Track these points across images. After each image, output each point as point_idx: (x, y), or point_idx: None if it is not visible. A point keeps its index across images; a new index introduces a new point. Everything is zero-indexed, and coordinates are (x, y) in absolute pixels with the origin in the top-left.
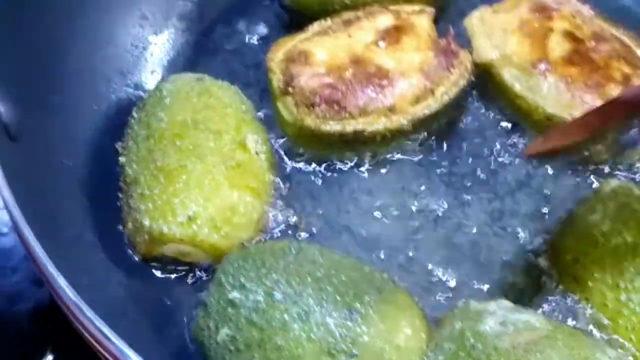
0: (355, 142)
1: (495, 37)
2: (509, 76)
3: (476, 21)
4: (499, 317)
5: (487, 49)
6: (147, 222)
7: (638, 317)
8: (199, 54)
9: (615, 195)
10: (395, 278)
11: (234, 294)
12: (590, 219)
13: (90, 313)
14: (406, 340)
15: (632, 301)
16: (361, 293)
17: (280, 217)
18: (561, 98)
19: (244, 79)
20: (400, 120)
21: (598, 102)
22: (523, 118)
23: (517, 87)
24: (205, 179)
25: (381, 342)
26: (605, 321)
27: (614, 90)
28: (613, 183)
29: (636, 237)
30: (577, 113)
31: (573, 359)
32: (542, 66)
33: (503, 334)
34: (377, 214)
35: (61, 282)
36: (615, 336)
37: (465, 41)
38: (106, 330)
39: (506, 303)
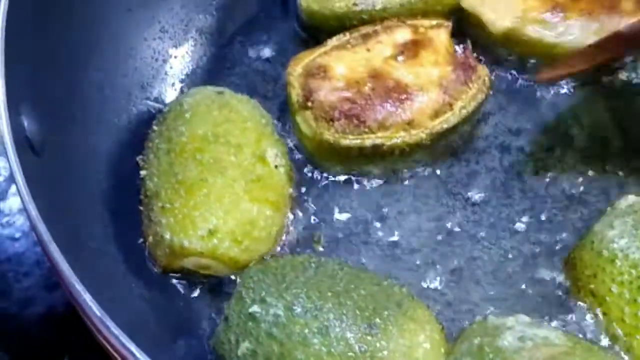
0: (374, 156)
1: (498, 4)
2: (535, 32)
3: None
4: (518, 332)
5: (499, 19)
6: (167, 236)
7: None
8: (218, 67)
9: (633, 210)
10: (415, 292)
11: (255, 308)
12: (608, 234)
13: (116, 330)
14: (425, 355)
15: None
16: (381, 307)
17: (299, 231)
18: (591, 29)
19: (263, 93)
20: (419, 135)
21: (623, 21)
22: None
23: (550, 36)
24: (226, 192)
25: (400, 357)
26: (623, 336)
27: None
28: (630, 199)
29: None
30: None
31: None
32: (559, 12)
33: (522, 350)
34: (396, 227)
35: (87, 297)
36: (632, 352)
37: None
38: (133, 347)
39: (524, 318)
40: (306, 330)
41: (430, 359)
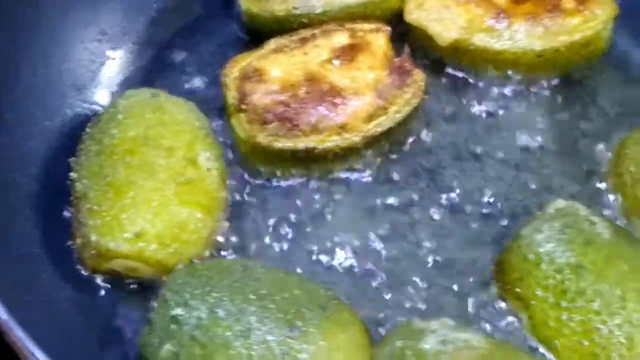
0: (308, 160)
1: (443, 16)
2: (481, 40)
3: (415, 13)
4: (440, 335)
5: (445, 32)
6: (94, 238)
7: (579, 336)
8: (157, 70)
9: (561, 215)
10: (343, 295)
11: (178, 311)
12: (536, 238)
13: (21, 333)
14: (347, 357)
15: (573, 321)
16: (303, 310)
17: (232, 234)
18: (536, 33)
19: (202, 96)
20: (352, 138)
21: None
22: (510, 68)
23: (497, 44)
24: (154, 195)
25: (322, 359)
26: (548, 340)
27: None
28: (560, 203)
29: (580, 258)
30: (562, 38)
31: None
32: (504, 18)
33: (442, 353)
34: (329, 231)
35: None
36: (556, 356)
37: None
38: (37, 352)
39: (448, 322)
40: (228, 333)
41: None
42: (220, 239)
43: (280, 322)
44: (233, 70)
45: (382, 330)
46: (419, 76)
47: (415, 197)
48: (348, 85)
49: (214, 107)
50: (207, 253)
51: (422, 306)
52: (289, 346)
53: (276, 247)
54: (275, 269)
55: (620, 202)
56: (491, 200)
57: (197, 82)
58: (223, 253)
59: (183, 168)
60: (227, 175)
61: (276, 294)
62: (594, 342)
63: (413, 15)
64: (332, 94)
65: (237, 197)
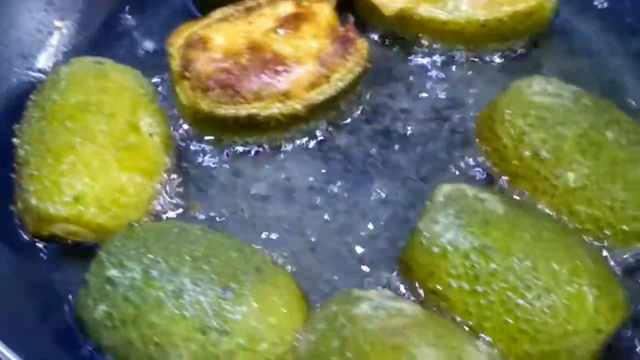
0: (251, 127)
1: None
2: (426, 10)
3: None
4: (375, 303)
5: (391, 1)
6: (34, 202)
7: (502, 316)
8: (105, 39)
9: (452, 200)
10: (282, 260)
11: (113, 272)
12: (434, 230)
13: None
14: (280, 320)
15: (493, 303)
16: (238, 273)
17: (174, 199)
18: (480, 3)
19: (150, 64)
20: (294, 106)
21: None
22: (456, 40)
23: (442, 15)
24: (94, 159)
25: (254, 321)
26: (474, 327)
27: None
28: (445, 189)
29: (483, 239)
30: (505, 8)
31: (439, 346)
32: None
33: (374, 318)
34: (272, 197)
35: None
36: (488, 336)
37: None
38: None
39: (387, 292)
40: (161, 294)
41: (285, 323)
42: (162, 203)
43: (214, 283)
44: (178, 39)
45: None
46: (362, 45)
47: (360, 164)
48: (291, 54)
49: (163, 75)
50: (148, 217)
51: (353, 281)
52: (222, 307)
53: (217, 212)
54: (213, 232)
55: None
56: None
57: (146, 52)
58: (165, 218)
59: (124, 134)
60: (171, 141)
61: (212, 256)
62: (518, 318)
63: None
64: (274, 62)
65: (182, 163)
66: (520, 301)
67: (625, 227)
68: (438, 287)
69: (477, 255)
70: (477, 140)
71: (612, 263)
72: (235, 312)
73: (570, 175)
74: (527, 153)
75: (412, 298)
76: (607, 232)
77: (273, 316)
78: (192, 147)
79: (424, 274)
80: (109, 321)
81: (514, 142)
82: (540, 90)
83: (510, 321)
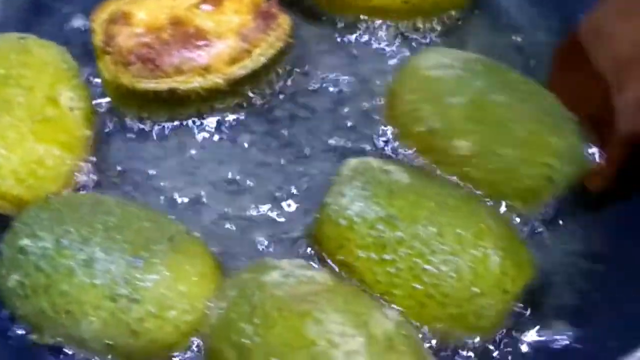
0: (172, 101)
1: None
2: None
3: None
4: (286, 271)
5: None
6: None
7: (410, 282)
8: (32, 15)
9: (358, 173)
10: (198, 231)
11: (25, 241)
12: (341, 202)
13: None
14: (191, 288)
15: (401, 270)
16: (150, 242)
17: (94, 172)
18: None
19: (77, 41)
20: (215, 80)
21: None
22: (380, 16)
23: None
24: (10, 131)
25: (164, 289)
26: (384, 295)
27: None
28: (352, 163)
29: (388, 209)
30: None
31: (346, 311)
32: None
33: (283, 285)
34: (193, 170)
35: None
36: (397, 305)
37: None
38: None
39: (300, 262)
40: (71, 262)
41: (196, 291)
42: (83, 176)
43: (125, 252)
44: (101, 15)
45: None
46: (284, 20)
47: (279, 140)
48: (213, 29)
49: (87, 52)
50: (66, 190)
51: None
52: (132, 275)
53: (135, 184)
54: (128, 203)
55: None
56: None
57: (74, 28)
58: (85, 190)
59: (42, 107)
60: (94, 116)
61: (125, 226)
62: (425, 283)
63: None
64: (196, 37)
65: (104, 137)
66: (427, 267)
67: (521, 186)
68: (348, 258)
69: (383, 224)
70: (384, 117)
71: (516, 224)
72: (146, 280)
73: (463, 144)
74: (422, 128)
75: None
76: (506, 194)
77: (184, 284)
78: (115, 122)
79: (333, 247)
80: (22, 290)
81: (408, 119)
82: (433, 64)
83: (419, 287)
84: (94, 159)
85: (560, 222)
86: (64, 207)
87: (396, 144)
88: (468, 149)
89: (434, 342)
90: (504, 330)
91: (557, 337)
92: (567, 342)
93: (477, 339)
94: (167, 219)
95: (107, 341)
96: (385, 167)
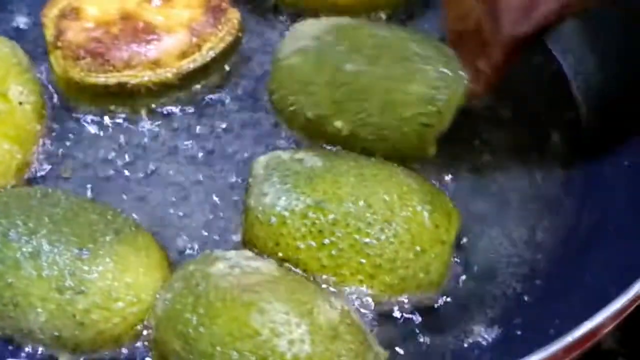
0: (122, 95)
1: None
2: None
3: None
4: (232, 262)
5: None
6: None
7: (355, 258)
8: None
9: (271, 169)
10: (146, 223)
11: None
12: (266, 202)
13: None
14: (137, 279)
15: (343, 249)
16: (97, 234)
17: (45, 166)
18: None
19: (31, 36)
20: (165, 74)
21: None
22: (331, 12)
23: None
24: None
25: (110, 280)
26: (334, 277)
27: None
28: (262, 160)
29: (313, 195)
30: None
31: (290, 301)
32: None
33: (228, 275)
34: (140, 162)
35: None
36: (349, 284)
37: None
38: None
39: (248, 253)
40: (18, 255)
41: (142, 281)
42: (33, 170)
43: (72, 244)
44: (52, 10)
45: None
46: (233, 15)
47: (227, 133)
48: (162, 23)
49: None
50: (17, 184)
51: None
52: (78, 267)
53: (85, 177)
54: (76, 196)
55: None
56: None
57: (23, 23)
58: (35, 184)
59: None
60: (45, 110)
61: (72, 218)
62: (369, 256)
63: None
64: (145, 31)
65: (55, 132)
66: (367, 239)
67: (408, 144)
68: (287, 253)
69: (313, 211)
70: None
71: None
72: (92, 272)
73: (340, 124)
74: (302, 119)
75: None
76: (404, 155)
77: (130, 276)
78: (66, 116)
79: (270, 246)
80: None
81: (289, 113)
82: (290, 51)
83: (364, 261)
84: (45, 152)
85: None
86: (12, 200)
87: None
88: (345, 127)
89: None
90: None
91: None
92: None
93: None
94: (115, 211)
95: (54, 333)
96: (296, 156)
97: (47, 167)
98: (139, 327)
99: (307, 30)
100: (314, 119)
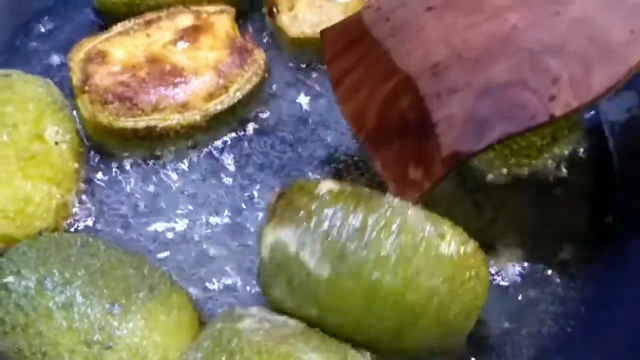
0: (151, 138)
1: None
2: None
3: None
4: (258, 317)
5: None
6: None
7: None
8: (14, 53)
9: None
10: (184, 281)
11: (9, 278)
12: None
13: None
14: (166, 338)
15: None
16: (131, 289)
17: (84, 210)
18: None
19: (59, 78)
20: (192, 116)
21: None
22: None
23: None
24: None
25: (138, 337)
26: None
27: None
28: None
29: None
30: None
31: (324, 351)
32: None
33: (259, 330)
34: (179, 210)
35: None
36: None
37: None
38: None
39: (268, 309)
40: (51, 304)
41: (171, 342)
42: (74, 212)
43: (104, 298)
44: (78, 54)
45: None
46: (259, 55)
47: (260, 173)
48: (189, 66)
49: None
50: (59, 226)
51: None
52: (108, 322)
53: (125, 225)
54: (116, 248)
55: None
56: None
57: (54, 65)
58: (76, 227)
59: (28, 143)
60: (82, 148)
61: (108, 271)
62: None
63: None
64: (172, 74)
65: (93, 176)
66: None
67: None
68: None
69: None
70: None
71: None
72: (121, 328)
73: None
74: None
75: None
76: None
77: (159, 334)
78: (100, 160)
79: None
80: (1, 327)
81: None
82: None
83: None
84: (85, 194)
85: None
86: (51, 247)
87: None
88: None
89: None
90: None
91: None
92: None
93: None
94: (152, 265)
95: None
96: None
97: (85, 211)
98: None
99: None
100: None
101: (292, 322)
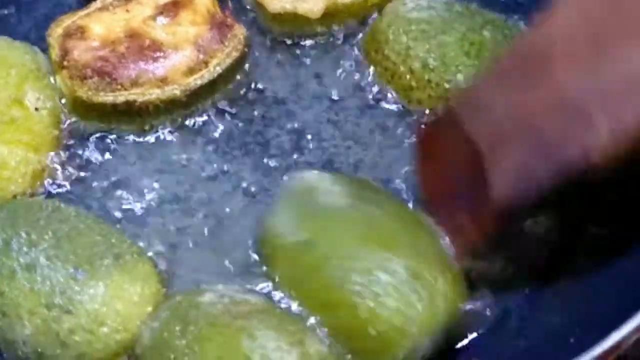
0: (130, 113)
1: None
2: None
3: None
4: (219, 292)
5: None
6: None
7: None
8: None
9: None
10: (153, 252)
11: None
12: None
13: None
14: (127, 307)
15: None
16: (95, 256)
17: (61, 176)
18: None
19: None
20: (172, 91)
21: None
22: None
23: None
24: None
25: (99, 304)
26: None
27: None
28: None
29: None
30: None
31: (281, 330)
32: None
33: (218, 304)
34: (155, 184)
35: None
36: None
37: None
38: None
39: (235, 287)
40: (15, 265)
41: (132, 311)
42: (53, 178)
43: (69, 262)
44: (57, 30)
45: None
46: (239, 30)
47: (239, 149)
48: (168, 41)
49: None
50: (34, 190)
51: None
52: (70, 286)
53: (99, 197)
54: (87, 216)
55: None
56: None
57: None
58: (51, 192)
59: (7, 107)
60: (62, 114)
61: (75, 237)
62: None
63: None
64: (152, 49)
65: (72, 146)
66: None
67: None
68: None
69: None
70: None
71: None
72: (82, 293)
73: (460, 76)
74: (417, 65)
75: None
76: None
77: (120, 303)
78: (77, 132)
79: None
80: None
81: (402, 58)
82: (415, 6)
83: None
84: (64, 160)
85: None
86: (22, 210)
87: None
88: (465, 81)
89: None
90: None
91: None
92: None
93: None
94: (121, 236)
95: (38, 349)
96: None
97: (62, 176)
98: (122, 357)
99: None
100: (433, 66)
101: (253, 299)
